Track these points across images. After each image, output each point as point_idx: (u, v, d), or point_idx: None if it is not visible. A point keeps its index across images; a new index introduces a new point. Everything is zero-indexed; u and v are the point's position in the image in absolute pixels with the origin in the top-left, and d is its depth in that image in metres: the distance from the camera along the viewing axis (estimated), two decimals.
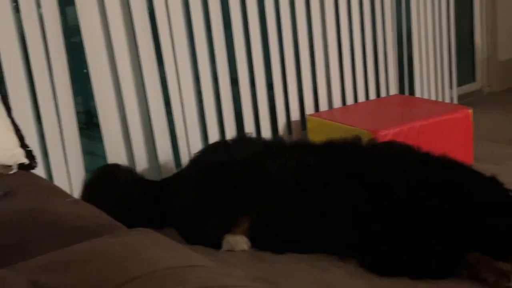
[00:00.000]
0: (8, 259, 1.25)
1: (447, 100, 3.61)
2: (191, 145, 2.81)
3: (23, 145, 1.97)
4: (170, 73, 2.74)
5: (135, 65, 2.67)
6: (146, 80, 2.67)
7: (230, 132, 2.91)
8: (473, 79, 3.95)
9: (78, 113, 2.58)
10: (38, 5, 2.42)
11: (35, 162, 1.99)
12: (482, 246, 2.01)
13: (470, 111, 2.88)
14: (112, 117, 2.63)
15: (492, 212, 2.05)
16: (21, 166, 1.92)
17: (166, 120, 2.75)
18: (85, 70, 2.57)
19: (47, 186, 1.80)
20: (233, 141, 2.64)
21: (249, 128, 2.97)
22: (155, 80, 2.70)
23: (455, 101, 3.67)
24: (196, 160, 2.57)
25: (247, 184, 2.32)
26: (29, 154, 1.97)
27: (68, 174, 2.55)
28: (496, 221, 2.03)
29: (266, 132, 3.03)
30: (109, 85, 2.61)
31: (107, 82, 2.60)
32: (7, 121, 1.97)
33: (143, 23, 2.64)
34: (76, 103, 2.55)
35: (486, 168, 2.36)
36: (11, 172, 1.86)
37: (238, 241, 2.32)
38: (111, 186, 2.59)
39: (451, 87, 3.63)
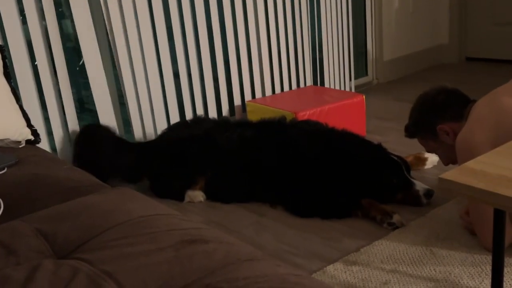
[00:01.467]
0: (18, 212, 1.21)
1: (347, 89, 3.65)
2: (158, 123, 2.73)
3: (29, 125, 1.90)
4: (140, 73, 2.65)
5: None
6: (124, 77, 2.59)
7: (189, 115, 2.85)
8: (365, 74, 4.00)
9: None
10: (43, 18, 2.29)
11: (39, 138, 1.92)
12: (371, 194, 2.06)
13: (363, 97, 2.92)
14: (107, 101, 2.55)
15: (378, 169, 2.09)
16: (28, 141, 1.86)
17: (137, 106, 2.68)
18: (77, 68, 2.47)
19: (49, 157, 1.74)
20: (191, 120, 2.59)
21: (200, 111, 2.90)
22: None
23: (353, 90, 3.72)
24: (164, 134, 2.52)
25: (202, 152, 2.29)
26: (34, 132, 1.90)
27: (70, 148, 2.45)
28: (381, 175, 2.08)
29: (212, 114, 2.98)
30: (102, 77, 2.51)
31: (101, 76, 2.49)
32: (16, 107, 1.89)
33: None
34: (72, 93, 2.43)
35: (374, 138, 2.41)
36: (21, 146, 1.79)
37: (196, 195, 2.30)
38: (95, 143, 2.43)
39: (350, 79, 3.67)
